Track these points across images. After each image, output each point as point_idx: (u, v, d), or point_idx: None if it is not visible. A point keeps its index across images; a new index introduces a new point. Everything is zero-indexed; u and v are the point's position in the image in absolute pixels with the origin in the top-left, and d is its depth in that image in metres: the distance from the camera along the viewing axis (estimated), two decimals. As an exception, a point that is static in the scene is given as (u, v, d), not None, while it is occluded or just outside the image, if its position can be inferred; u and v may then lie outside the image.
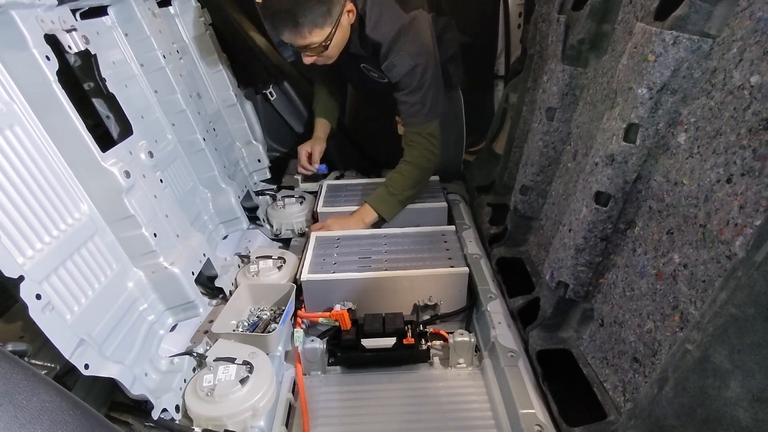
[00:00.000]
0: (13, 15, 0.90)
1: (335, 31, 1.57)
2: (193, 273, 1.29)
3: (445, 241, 1.69)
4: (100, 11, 1.33)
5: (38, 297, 0.83)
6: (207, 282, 1.55)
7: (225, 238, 1.81)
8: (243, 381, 1.15)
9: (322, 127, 2.11)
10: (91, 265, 1.04)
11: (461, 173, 2.37)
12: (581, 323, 1.25)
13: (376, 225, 1.87)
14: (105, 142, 1.10)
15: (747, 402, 0.63)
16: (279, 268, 1.64)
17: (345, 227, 1.82)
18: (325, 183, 2.15)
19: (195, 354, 1.26)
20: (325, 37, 1.56)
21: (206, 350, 1.29)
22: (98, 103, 1.19)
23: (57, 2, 1.00)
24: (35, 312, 0.82)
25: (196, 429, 1.10)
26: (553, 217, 1.51)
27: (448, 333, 1.42)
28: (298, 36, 1.53)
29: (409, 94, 1.71)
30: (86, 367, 0.91)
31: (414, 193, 1.87)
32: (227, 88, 1.98)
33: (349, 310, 1.46)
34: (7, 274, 0.78)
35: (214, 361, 1.21)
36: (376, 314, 1.46)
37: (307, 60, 1.64)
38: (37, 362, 0.97)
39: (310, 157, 2.05)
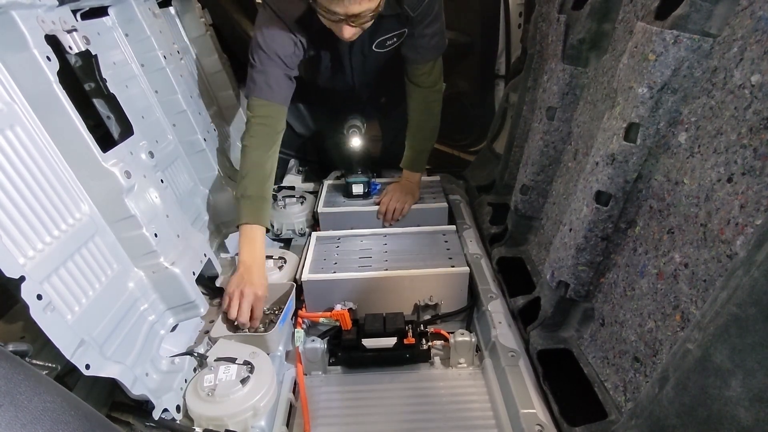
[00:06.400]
0: (14, 15, 0.90)
1: None
2: (194, 273, 1.29)
3: (446, 241, 1.70)
4: (100, 12, 1.33)
5: (39, 297, 0.83)
6: (208, 282, 1.55)
7: (226, 238, 1.81)
8: (244, 381, 1.15)
9: (260, 244, 1.47)
10: (92, 265, 1.04)
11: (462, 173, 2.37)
12: (582, 323, 1.25)
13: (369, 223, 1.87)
14: (106, 142, 1.10)
15: (748, 402, 0.62)
16: (280, 268, 1.65)
17: (413, 198, 1.92)
18: (326, 183, 2.15)
19: (196, 354, 1.26)
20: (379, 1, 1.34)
21: (207, 350, 1.29)
22: (99, 104, 1.19)
23: (57, 3, 1.00)
24: (36, 312, 0.82)
25: (197, 429, 1.10)
26: (553, 216, 1.51)
27: (448, 333, 1.43)
28: (355, 3, 1.29)
29: (429, 25, 1.64)
30: (87, 367, 0.91)
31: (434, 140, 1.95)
32: (227, 88, 1.98)
33: (349, 309, 1.46)
34: (8, 274, 0.78)
35: (214, 361, 1.21)
36: (377, 314, 1.46)
37: (348, 33, 1.39)
38: (38, 362, 0.97)
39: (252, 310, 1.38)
